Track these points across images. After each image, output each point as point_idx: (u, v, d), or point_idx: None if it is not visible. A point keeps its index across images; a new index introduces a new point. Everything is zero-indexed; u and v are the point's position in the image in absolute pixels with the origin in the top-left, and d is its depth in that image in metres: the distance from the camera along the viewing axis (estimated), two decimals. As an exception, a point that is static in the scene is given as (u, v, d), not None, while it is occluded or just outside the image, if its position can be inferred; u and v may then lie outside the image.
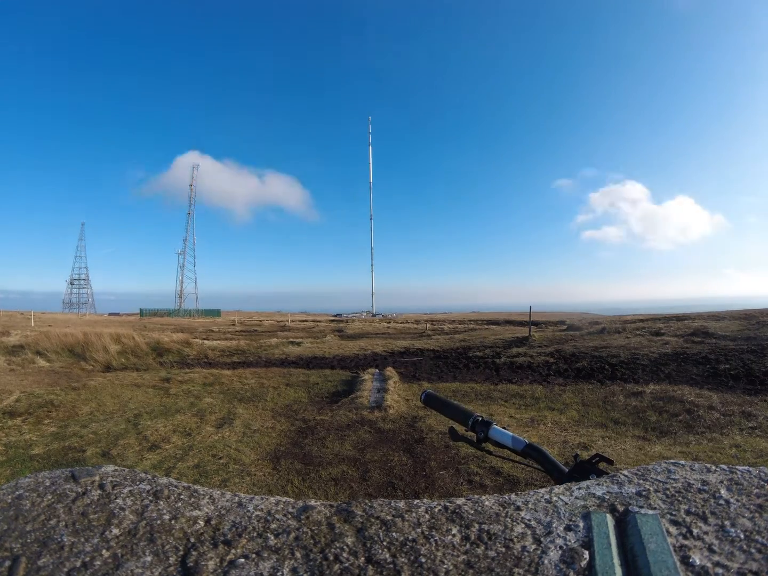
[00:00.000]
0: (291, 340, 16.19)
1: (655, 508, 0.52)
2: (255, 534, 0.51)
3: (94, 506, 0.55)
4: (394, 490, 3.37)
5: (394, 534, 0.50)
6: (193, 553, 0.47)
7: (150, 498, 0.58)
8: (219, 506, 0.57)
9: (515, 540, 0.48)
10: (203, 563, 0.46)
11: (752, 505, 0.51)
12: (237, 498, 0.59)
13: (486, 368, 9.48)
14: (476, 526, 0.51)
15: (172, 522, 0.53)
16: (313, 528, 0.52)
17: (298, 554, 0.47)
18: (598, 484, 0.60)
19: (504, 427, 1.02)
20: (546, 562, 0.44)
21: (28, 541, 0.48)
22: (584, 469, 0.84)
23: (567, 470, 0.88)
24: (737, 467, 0.61)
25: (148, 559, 0.46)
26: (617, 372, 8.17)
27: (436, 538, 0.49)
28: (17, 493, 0.58)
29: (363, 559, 0.46)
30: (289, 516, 0.54)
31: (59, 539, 0.49)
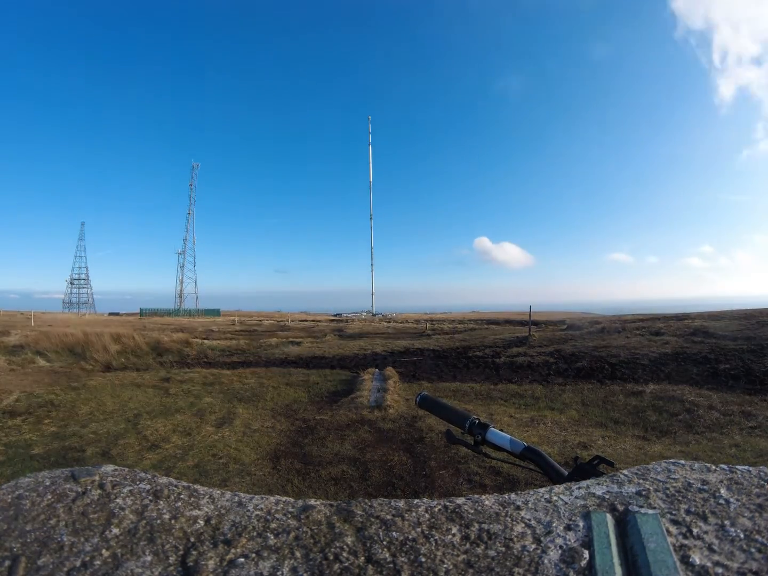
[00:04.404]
0: (291, 339, 16.19)
1: (655, 508, 0.52)
2: (255, 533, 0.51)
3: (94, 506, 0.55)
4: (394, 490, 3.37)
5: (394, 533, 0.50)
6: (193, 552, 0.47)
7: (150, 498, 0.58)
8: (219, 506, 0.57)
9: (515, 539, 0.48)
10: (203, 563, 0.46)
11: (752, 505, 0.51)
12: (237, 497, 0.59)
13: (486, 368, 9.48)
14: (476, 525, 0.51)
15: (172, 521, 0.53)
16: (313, 527, 0.52)
17: (298, 554, 0.47)
18: (598, 484, 0.59)
19: (502, 430, 0.99)
20: (546, 561, 0.44)
21: (28, 540, 0.48)
22: (584, 471, 0.82)
23: (567, 473, 0.86)
24: (737, 467, 0.61)
25: (148, 558, 0.46)
26: (617, 372, 8.17)
27: (436, 537, 0.49)
28: (17, 492, 0.58)
29: (363, 558, 0.46)
30: (289, 515, 0.54)
31: (59, 539, 0.48)
